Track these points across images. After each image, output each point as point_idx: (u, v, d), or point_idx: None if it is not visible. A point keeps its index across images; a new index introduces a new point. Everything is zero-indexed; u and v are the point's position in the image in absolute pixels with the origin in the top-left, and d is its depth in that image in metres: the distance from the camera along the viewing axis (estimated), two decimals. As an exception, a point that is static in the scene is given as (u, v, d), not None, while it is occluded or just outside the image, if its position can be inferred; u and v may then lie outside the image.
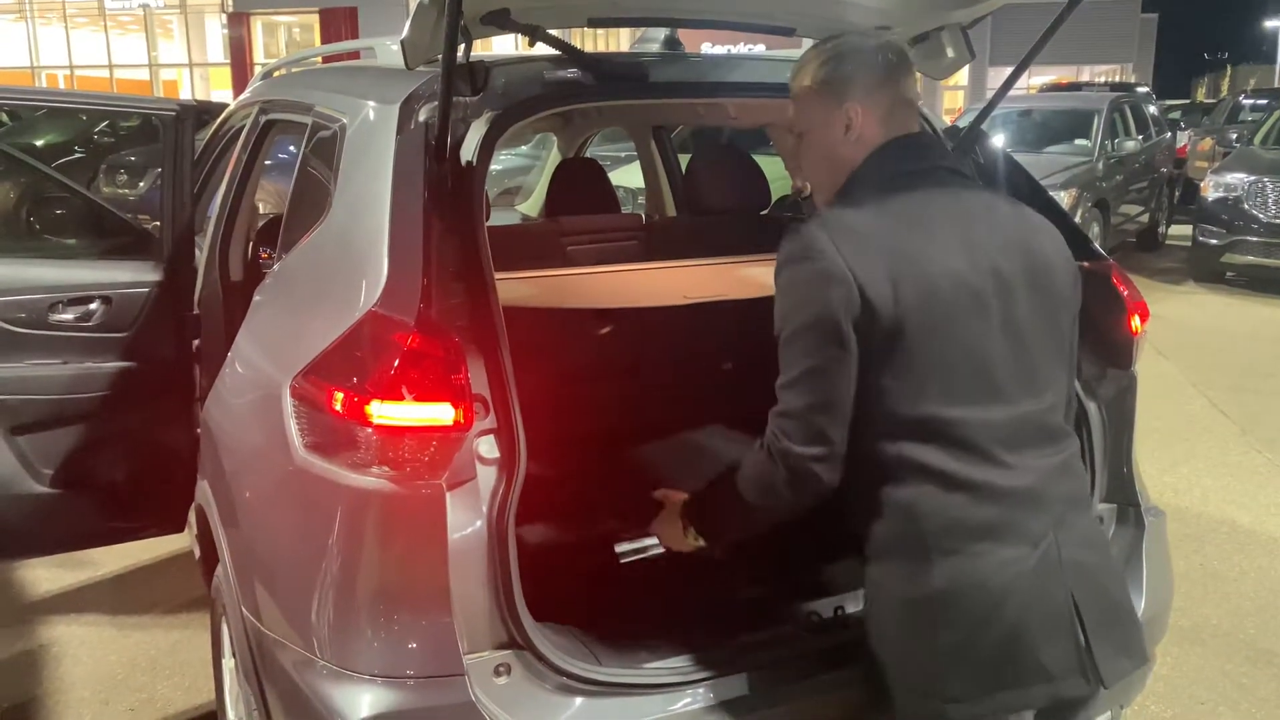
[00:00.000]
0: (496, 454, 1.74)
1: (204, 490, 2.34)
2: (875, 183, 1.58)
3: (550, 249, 3.04)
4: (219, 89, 25.87)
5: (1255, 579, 3.79)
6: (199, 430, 2.56)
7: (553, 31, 2.07)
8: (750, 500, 1.62)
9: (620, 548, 2.25)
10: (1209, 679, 3.11)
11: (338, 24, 23.43)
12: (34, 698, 2.99)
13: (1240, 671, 3.16)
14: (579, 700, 1.77)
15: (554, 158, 5.52)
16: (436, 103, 1.84)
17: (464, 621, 1.71)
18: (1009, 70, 2.47)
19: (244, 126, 2.97)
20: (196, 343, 2.90)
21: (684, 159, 4.09)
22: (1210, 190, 9.42)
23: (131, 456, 2.92)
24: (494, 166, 2.20)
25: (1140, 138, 10.74)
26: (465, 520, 1.70)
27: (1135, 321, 2.26)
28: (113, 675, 3.10)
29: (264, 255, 2.96)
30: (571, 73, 2.09)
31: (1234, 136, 13.44)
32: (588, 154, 4.86)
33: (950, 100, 25.92)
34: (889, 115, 1.61)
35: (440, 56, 1.73)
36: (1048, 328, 1.59)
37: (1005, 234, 1.58)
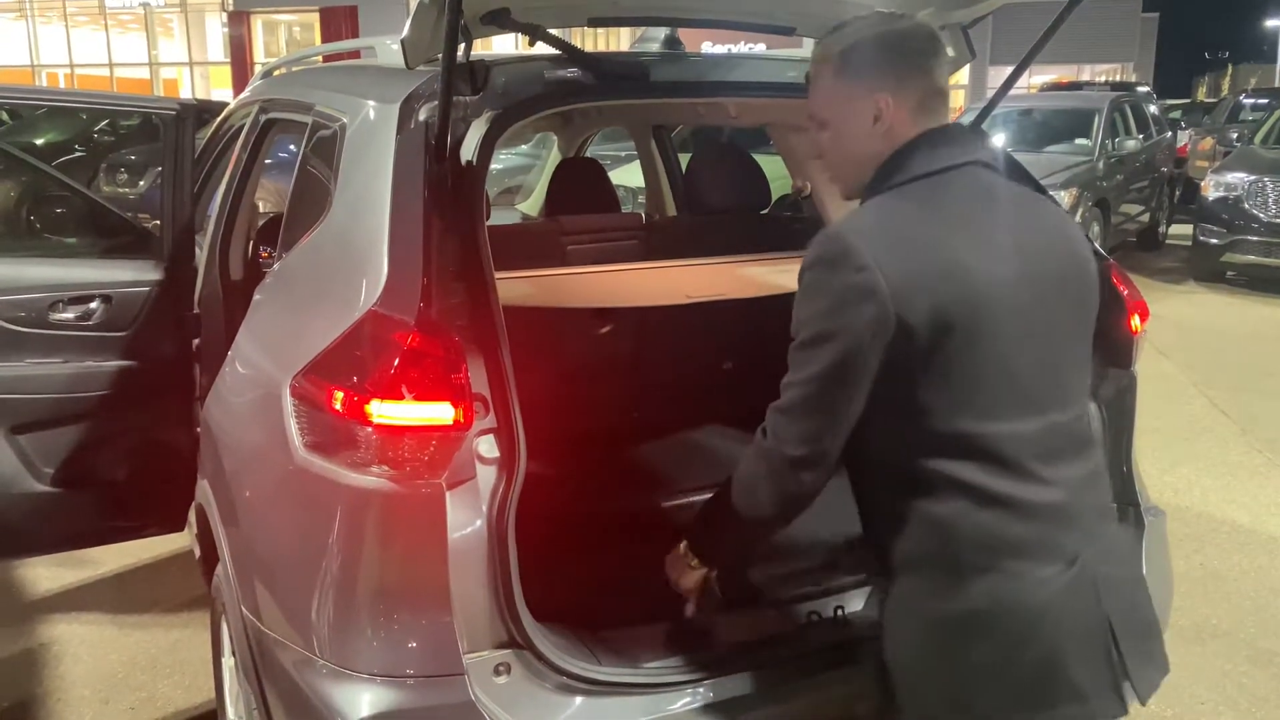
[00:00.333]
0: (496, 453, 1.75)
1: (204, 489, 2.34)
2: (909, 179, 1.48)
3: (550, 248, 3.04)
4: (219, 88, 25.87)
5: (1255, 579, 3.79)
6: (199, 429, 2.56)
7: (553, 31, 2.07)
8: (737, 505, 1.58)
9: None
10: (1209, 678, 3.11)
11: (338, 23, 23.42)
12: (34, 696, 2.99)
13: (1240, 671, 3.16)
14: (579, 699, 1.77)
15: (554, 157, 5.51)
16: (437, 102, 1.84)
17: (464, 621, 1.71)
18: (1009, 70, 2.46)
19: (244, 125, 2.98)
20: (196, 342, 2.90)
21: (684, 158, 4.09)
22: (1211, 190, 9.42)
23: (132, 455, 2.92)
24: (494, 166, 2.20)
25: (1141, 137, 10.73)
26: (465, 519, 1.70)
27: (1135, 321, 2.26)
28: (113, 674, 3.10)
29: (264, 254, 2.96)
30: (572, 72, 2.09)
31: (1234, 136, 13.44)
32: (588, 153, 4.86)
33: (951, 100, 25.89)
34: (921, 106, 1.50)
35: (440, 56, 1.73)
36: (1077, 333, 1.54)
37: (1045, 235, 1.51)
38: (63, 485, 2.87)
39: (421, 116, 1.93)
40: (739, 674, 1.86)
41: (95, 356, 2.83)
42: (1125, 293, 2.28)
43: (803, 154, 3.19)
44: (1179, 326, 7.73)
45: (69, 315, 2.80)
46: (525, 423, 1.76)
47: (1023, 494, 1.43)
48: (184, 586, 3.49)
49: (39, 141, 9.05)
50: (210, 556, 2.33)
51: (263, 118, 2.81)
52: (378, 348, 1.73)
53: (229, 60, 25.45)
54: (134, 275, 2.88)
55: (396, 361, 1.68)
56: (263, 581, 1.94)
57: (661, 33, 2.53)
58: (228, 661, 2.29)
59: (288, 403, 1.84)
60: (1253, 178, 9.15)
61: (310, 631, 1.76)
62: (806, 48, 3.91)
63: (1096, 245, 2.44)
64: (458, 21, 1.65)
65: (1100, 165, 9.55)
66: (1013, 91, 3.01)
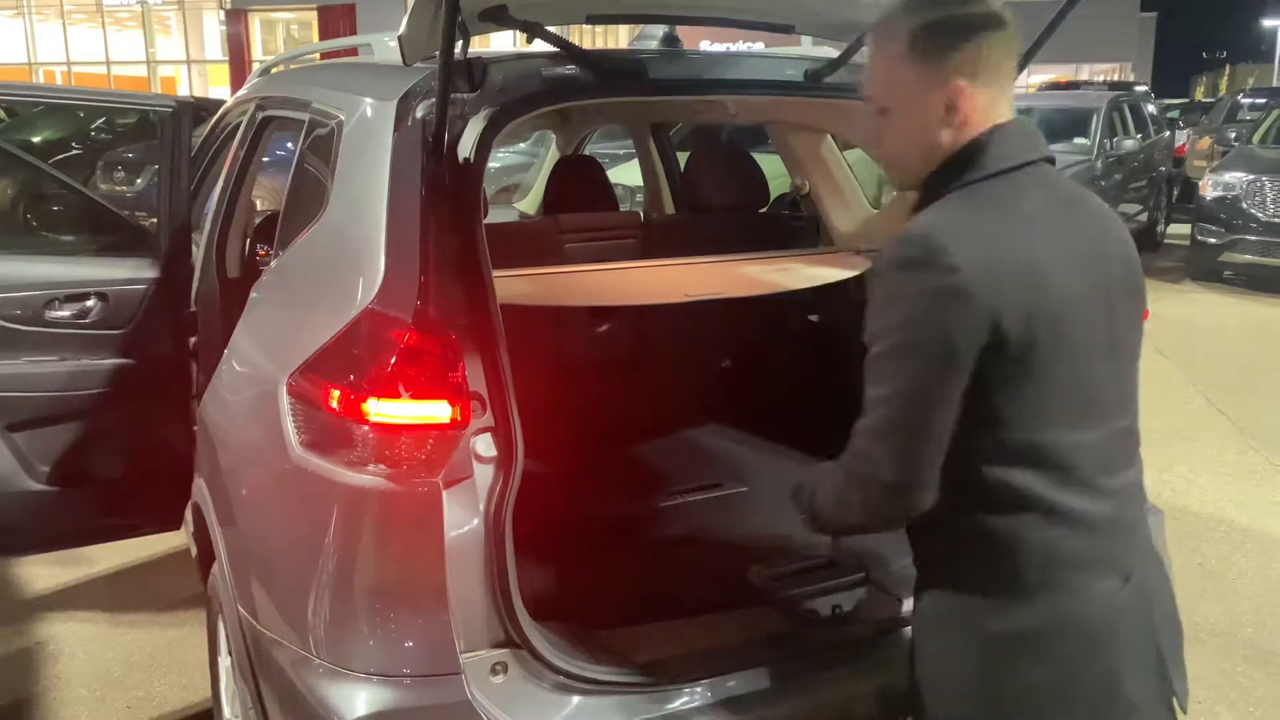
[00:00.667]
0: (494, 452, 1.74)
1: (200, 488, 2.33)
2: (985, 176, 1.38)
3: (548, 246, 3.03)
4: (217, 86, 25.85)
5: (1253, 578, 3.79)
6: (196, 427, 2.56)
7: (551, 28, 2.07)
8: (826, 513, 1.49)
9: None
10: (1207, 678, 3.10)
11: (336, 20, 23.40)
12: (30, 695, 2.99)
13: (1238, 671, 3.16)
14: (576, 699, 1.76)
15: (552, 155, 5.51)
16: (434, 99, 1.83)
17: (461, 620, 1.70)
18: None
19: (241, 123, 2.97)
20: (193, 340, 2.90)
21: (683, 157, 4.09)
22: (1209, 189, 9.42)
23: (128, 454, 2.91)
24: (492, 164, 2.19)
25: (1139, 136, 10.74)
26: (462, 518, 1.70)
27: (1134, 320, 2.26)
28: (109, 673, 3.10)
29: (261, 252, 2.95)
30: (570, 69, 2.08)
31: (1232, 135, 13.44)
32: (586, 151, 4.86)
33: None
34: (996, 99, 1.40)
35: (438, 53, 1.72)
36: (1136, 339, 1.49)
37: (1109, 240, 1.46)
38: (59, 483, 2.86)
39: (419, 114, 1.92)
40: (736, 673, 1.85)
41: (92, 354, 2.82)
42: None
43: (805, 154, 3.19)
44: (1177, 326, 7.73)
45: (65, 313, 2.80)
46: (523, 421, 1.75)
47: (1085, 506, 1.38)
48: (180, 585, 3.48)
49: (36, 139, 9.03)
50: (207, 555, 2.32)
51: (260, 115, 2.81)
52: (375, 346, 1.73)
53: (227, 58, 25.42)
54: (131, 273, 2.87)
55: (393, 360, 1.68)
56: (259, 580, 1.94)
57: (660, 30, 2.53)
58: (224, 660, 2.29)
59: (284, 401, 1.83)
60: (1251, 177, 9.15)
61: (307, 630, 1.75)
62: (805, 46, 3.92)
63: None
64: (455, 18, 1.64)
65: (1098, 164, 9.55)
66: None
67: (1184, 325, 7.82)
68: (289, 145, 2.83)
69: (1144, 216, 11.00)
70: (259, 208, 3.61)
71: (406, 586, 1.70)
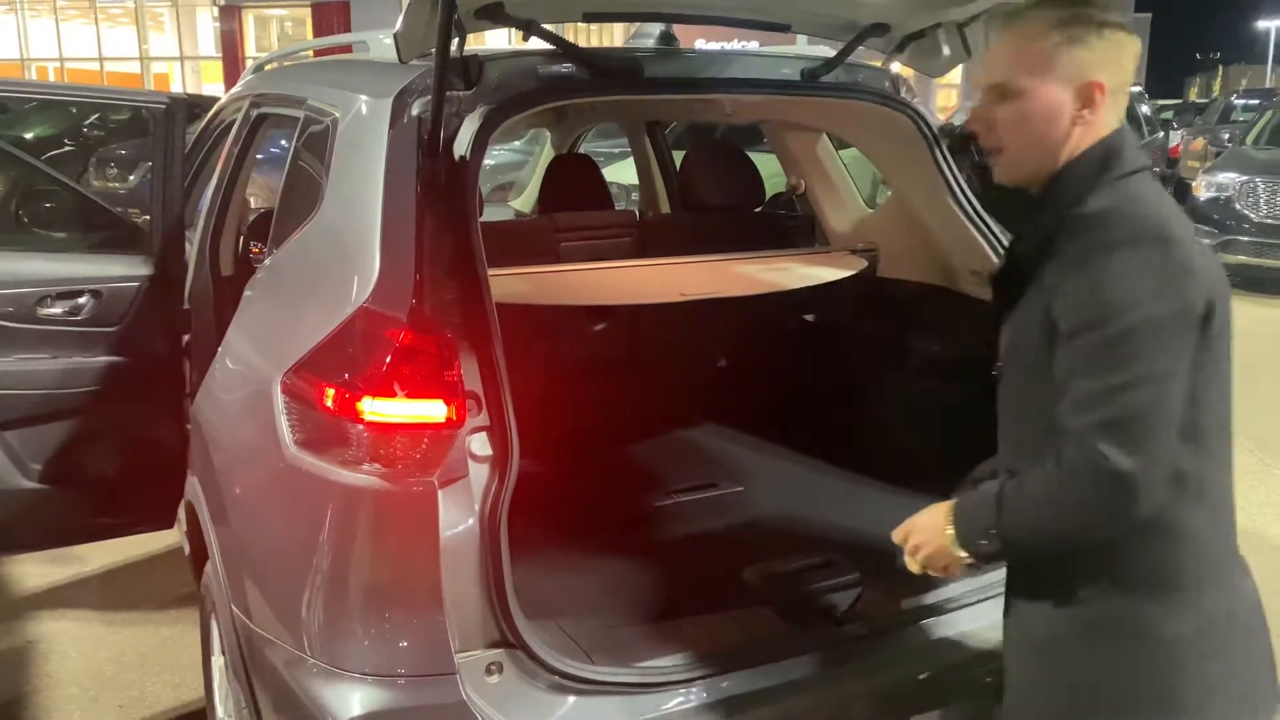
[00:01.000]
0: (489, 451, 1.73)
1: (194, 486, 2.32)
2: (1130, 172, 1.39)
3: (544, 245, 3.03)
4: (210, 83, 25.76)
5: (1246, 578, 3.80)
6: (189, 426, 2.55)
7: (547, 26, 2.06)
8: (1038, 524, 1.38)
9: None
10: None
11: (330, 17, 23.34)
12: (22, 694, 2.97)
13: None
14: (571, 699, 1.76)
15: (547, 153, 5.50)
16: (429, 97, 1.83)
17: (456, 620, 1.70)
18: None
19: (235, 120, 2.96)
20: (187, 338, 2.89)
21: (678, 156, 4.08)
22: (1202, 190, 9.44)
23: (121, 452, 2.90)
24: (487, 162, 2.18)
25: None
26: (457, 518, 1.69)
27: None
28: (101, 672, 3.08)
29: (255, 250, 2.94)
30: (566, 68, 2.08)
31: (1226, 136, 13.48)
32: (581, 150, 4.85)
33: (944, 98, 25.93)
34: (1119, 104, 1.42)
35: (434, 50, 1.72)
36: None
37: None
38: (51, 481, 2.85)
39: (414, 111, 1.92)
40: (731, 673, 1.85)
41: (84, 352, 2.81)
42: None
43: (801, 153, 3.19)
44: (1170, 326, 7.73)
45: (58, 310, 2.78)
46: (518, 420, 1.75)
47: (1228, 497, 1.41)
48: (173, 584, 3.47)
49: (28, 135, 8.99)
50: (200, 554, 2.31)
51: (254, 112, 2.80)
52: (370, 344, 1.72)
53: (220, 55, 25.34)
54: (124, 270, 2.85)
55: (388, 358, 1.67)
56: (253, 579, 1.93)
57: (656, 29, 2.52)
58: (217, 660, 2.28)
59: (278, 399, 1.83)
60: (1244, 178, 9.17)
61: (300, 630, 1.74)
62: (801, 45, 3.91)
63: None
64: (451, 15, 1.64)
65: (1093, 165, 9.56)
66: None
67: (1177, 325, 7.83)
68: (283, 143, 2.82)
69: (1138, 217, 11.02)
70: (253, 205, 3.60)
71: (401, 586, 1.69)
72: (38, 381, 2.78)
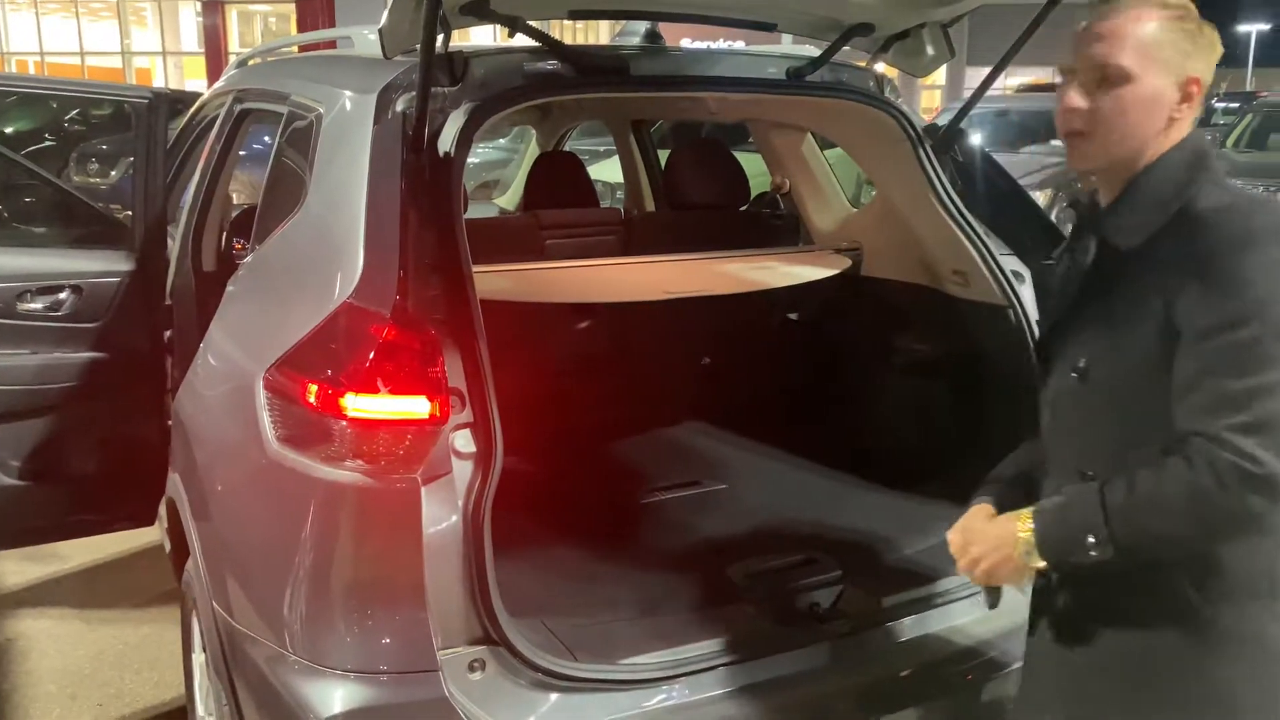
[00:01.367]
0: (473, 448, 1.73)
1: (175, 483, 2.31)
2: (1208, 176, 1.35)
3: (529, 242, 3.03)
4: (193, 78, 25.59)
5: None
6: (170, 422, 2.54)
7: (533, 23, 2.06)
8: (1149, 528, 1.30)
9: None
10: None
11: (314, 12, 23.22)
12: (0, 692, 2.95)
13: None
14: (554, 696, 1.76)
15: (533, 151, 5.49)
16: (414, 93, 1.82)
17: (438, 617, 1.69)
18: (987, 70, 2.47)
19: (218, 115, 2.94)
20: (169, 334, 2.87)
21: (664, 154, 4.09)
22: (1184, 191, 9.51)
23: (101, 448, 2.88)
24: (472, 159, 2.17)
25: (1115, 139, 10.83)
26: (440, 515, 1.69)
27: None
28: (80, 670, 3.06)
29: (238, 246, 2.93)
30: (551, 65, 2.07)
31: (1208, 136, 13.57)
32: (567, 148, 4.85)
33: (928, 99, 26.05)
34: (1198, 107, 1.38)
35: (419, 46, 1.71)
36: None
37: None
38: (30, 478, 2.83)
39: (399, 107, 1.91)
40: (714, 671, 1.85)
41: (64, 348, 2.79)
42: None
43: (786, 152, 3.19)
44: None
45: (38, 305, 2.76)
46: (502, 417, 1.74)
47: None
48: (154, 581, 3.45)
49: (8, 130, 8.91)
50: (181, 551, 2.30)
51: (237, 108, 2.78)
52: (353, 340, 1.72)
53: (203, 50, 25.18)
54: (105, 266, 2.84)
55: (372, 354, 1.66)
56: (234, 576, 1.92)
57: (642, 26, 2.52)
58: (198, 657, 2.27)
59: (261, 396, 1.82)
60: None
61: (282, 627, 1.74)
62: (787, 44, 3.91)
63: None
64: (436, 11, 1.64)
65: (1075, 167, 9.62)
66: (990, 92, 3.02)
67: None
68: (266, 139, 2.81)
69: (1119, 218, 11.11)
70: (236, 201, 3.58)
71: (384, 583, 1.69)
72: (17, 377, 2.76)
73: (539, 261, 2.80)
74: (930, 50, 2.39)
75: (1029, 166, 8.86)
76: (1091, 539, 1.31)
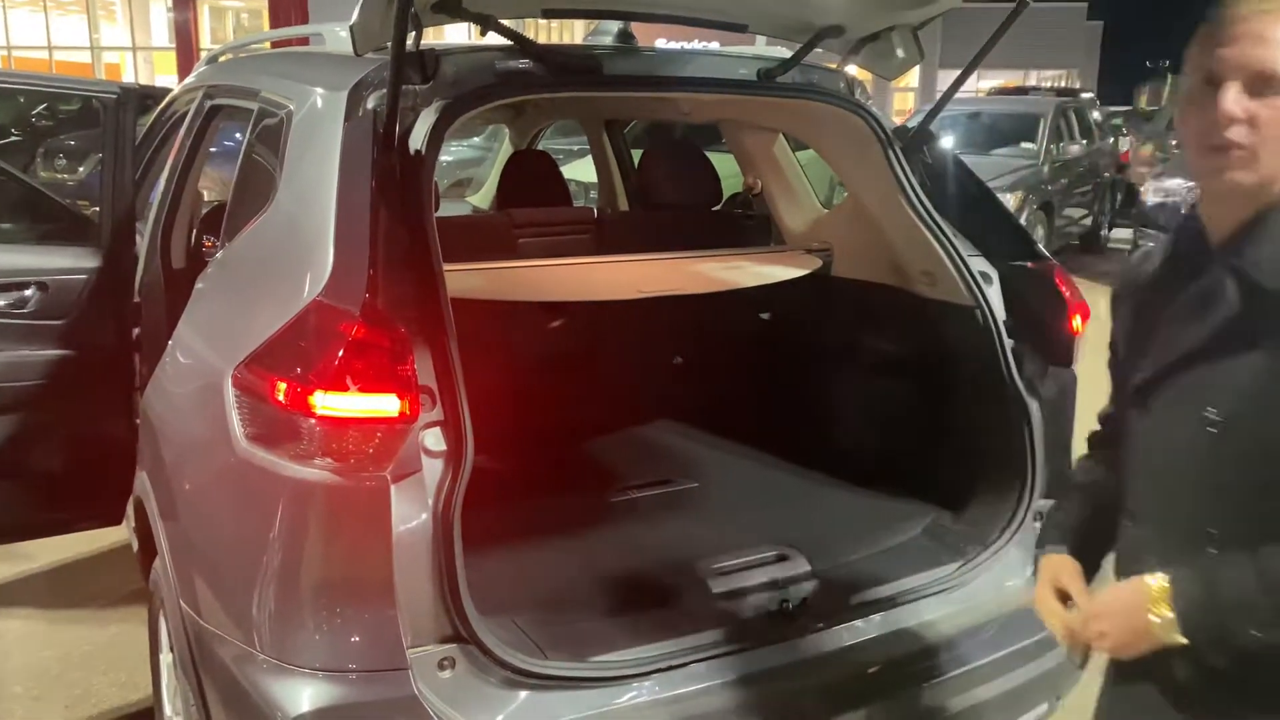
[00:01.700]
0: (443, 446, 1.73)
1: (143, 481, 2.29)
2: None
3: (501, 241, 3.03)
4: (164, 74, 25.32)
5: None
6: (138, 420, 2.51)
7: (505, 22, 2.06)
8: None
9: None
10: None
11: (286, 9, 23.02)
12: (-37, 694, 2.92)
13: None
14: (524, 694, 1.76)
15: (506, 150, 5.49)
16: (385, 90, 1.82)
17: (408, 615, 1.69)
18: (958, 73, 2.50)
19: (188, 112, 2.92)
20: (137, 331, 2.85)
21: (637, 154, 4.09)
22: (1150, 195, 9.61)
23: (68, 447, 2.85)
24: (444, 158, 2.17)
25: (1084, 142, 10.95)
26: (410, 513, 1.69)
27: (1076, 321, 2.31)
28: (47, 671, 3.03)
29: (207, 243, 2.91)
30: (524, 64, 2.08)
31: (1174, 143, 13.72)
32: (540, 147, 4.85)
33: (900, 102, 26.22)
34: None
35: (390, 43, 1.71)
36: None
37: None
38: (-5, 477, 2.80)
39: (370, 105, 1.91)
40: (684, 668, 1.86)
41: (30, 345, 2.76)
42: (1067, 294, 2.33)
43: (757, 153, 3.21)
44: (1119, 328, 7.87)
45: (2, 303, 2.73)
46: (473, 416, 1.74)
47: None
48: (121, 581, 3.42)
49: (-27, 125, 8.78)
50: (148, 550, 2.28)
51: (208, 104, 2.76)
52: (322, 338, 1.71)
53: (174, 46, 24.93)
54: (72, 262, 2.81)
55: (341, 352, 1.66)
56: (202, 575, 1.91)
57: (615, 26, 2.53)
58: (165, 657, 2.25)
59: (229, 393, 1.81)
60: (1191, 184, 9.35)
61: (250, 626, 1.73)
62: (760, 45, 3.94)
63: (1040, 247, 2.50)
64: (408, 9, 1.64)
65: (1045, 169, 9.72)
66: (961, 95, 3.05)
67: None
68: (237, 135, 2.80)
69: (1088, 221, 11.23)
70: (206, 198, 3.56)
71: (353, 581, 1.69)
72: (-19, 375, 2.72)
73: (512, 260, 2.80)
74: (900, 53, 2.42)
75: (999, 169, 8.95)
76: (1252, 620, 1.18)
